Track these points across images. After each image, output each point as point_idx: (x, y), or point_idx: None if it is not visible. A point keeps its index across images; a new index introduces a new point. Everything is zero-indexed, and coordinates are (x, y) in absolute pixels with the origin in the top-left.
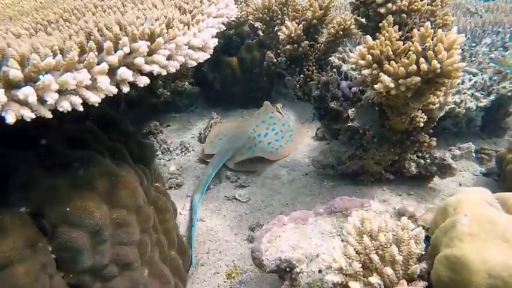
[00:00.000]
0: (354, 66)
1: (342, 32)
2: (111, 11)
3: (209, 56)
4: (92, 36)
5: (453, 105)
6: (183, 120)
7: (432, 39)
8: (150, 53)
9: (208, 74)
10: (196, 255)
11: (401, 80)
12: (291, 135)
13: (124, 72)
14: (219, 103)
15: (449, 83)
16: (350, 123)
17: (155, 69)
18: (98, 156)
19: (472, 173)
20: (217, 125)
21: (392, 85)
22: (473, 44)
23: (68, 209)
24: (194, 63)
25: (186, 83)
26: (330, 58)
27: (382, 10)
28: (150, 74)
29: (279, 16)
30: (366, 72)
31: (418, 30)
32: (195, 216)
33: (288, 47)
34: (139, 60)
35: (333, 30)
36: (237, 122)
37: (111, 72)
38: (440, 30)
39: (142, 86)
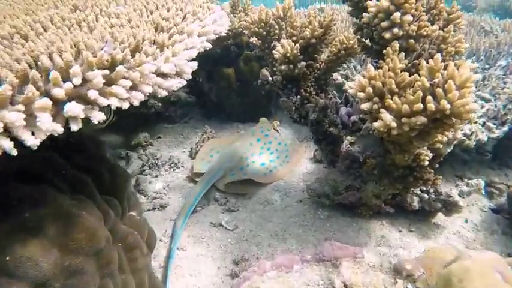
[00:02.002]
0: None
1: (344, 52)
2: (77, 27)
3: (185, 83)
4: (39, 62)
5: (463, 137)
6: (175, 132)
7: (443, 72)
8: (110, 83)
9: (204, 84)
10: None
11: (404, 119)
12: (287, 155)
13: (71, 109)
14: (214, 115)
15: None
16: (350, 147)
17: (113, 103)
18: (53, 192)
19: (480, 208)
20: (209, 140)
21: (394, 124)
22: (487, 66)
23: (7, 258)
24: (164, 93)
25: (180, 92)
26: (334, 75)
27: (387, 35)
28: None
29: (276, 31)
30: (365, 106)
31: (427, 58)
32: (174, 246)
33: (283, 67)
34: (93, 94)
35: (334, 49)
36: (231, 138)
37: (61, 105)
38: (452, 64)
39: (96, 122)
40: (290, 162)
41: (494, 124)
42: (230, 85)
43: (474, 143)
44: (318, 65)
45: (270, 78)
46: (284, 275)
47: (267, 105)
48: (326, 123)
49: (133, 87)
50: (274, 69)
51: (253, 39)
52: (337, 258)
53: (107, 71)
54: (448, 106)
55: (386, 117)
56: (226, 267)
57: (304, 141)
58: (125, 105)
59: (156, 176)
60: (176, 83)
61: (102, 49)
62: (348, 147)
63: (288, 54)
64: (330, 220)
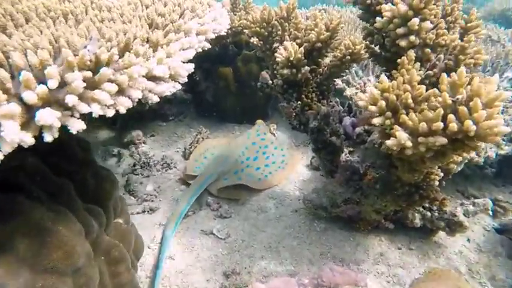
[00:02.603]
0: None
1: (349, 57)
2: (63, 20)
3: (180, 87)
4: (10, 60)
5: (475, 155)
6: (169, 131)
7: (467, 88)
8: (93, 86)
9: (201, 83)
10: None
11: (421, 138)
12: (283, 160)
13: (43, 117)
14: (210, 115)
15: None
16: (349, 156)
17: (95, 110)
18: (26, 203)
19: (483, 227)
20: (204, 141)
21: (409, 144)
22: None
23: None
24: (156, 99)
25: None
26: (336, 81)
27: (403, 43)
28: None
29: (279, 32)
30: (377, 121)
31: (443, 69)
32: (162, 255)
33: (285, 71)
34: (71, 99)
35: (339, 54)
36: (226, 140)
37: (35, 111)
38: (477, 79)
39: (75, 132)
40: (286, 168)
41: (503, 140)
42: (227, 85)
43: (483, 160)
44: (320, 69)
45: (270, 82)
46: None
47: (265, 107)
48: (328, 133)
49: (120, 92)
50: (275, 72)
51: (254, 40)
52: (337, 285)
53: (89, 73)
54: (473, 127)
55: (401, 135)
56: (217, 280)
57: (300, 146)
58: (110, 113)
59: (148, 176)
60: (170, 88)
61: (85, 47)
62: (348, 157)
63: (292, 58)
64: (327, 233)
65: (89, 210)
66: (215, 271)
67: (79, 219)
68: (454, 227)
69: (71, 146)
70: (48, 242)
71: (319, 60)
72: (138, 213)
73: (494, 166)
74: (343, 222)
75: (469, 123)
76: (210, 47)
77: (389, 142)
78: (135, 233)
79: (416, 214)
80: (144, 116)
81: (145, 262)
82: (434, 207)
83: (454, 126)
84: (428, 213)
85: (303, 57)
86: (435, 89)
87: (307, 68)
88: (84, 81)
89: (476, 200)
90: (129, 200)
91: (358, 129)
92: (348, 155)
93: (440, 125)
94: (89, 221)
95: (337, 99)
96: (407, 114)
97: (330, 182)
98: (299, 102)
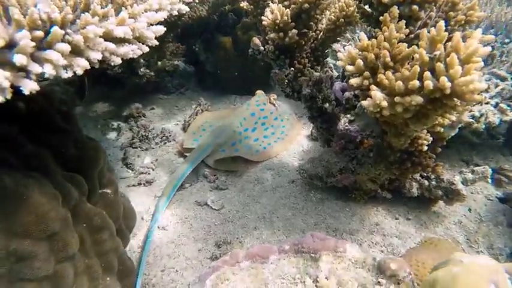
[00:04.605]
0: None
1: (343, 20)
2: None
3: (147, 49)
4: None
5: (470, 120)
6: (169, 104)
7: (446, 46)
8: (46, 47)
9: (200, 53)
10: (149, 273)
11: (397, 98)
12: (282, 131)
13: None
14: (210, 87)
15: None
16: (348, 126)
17: (48, 71)
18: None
19: (485, 196)
20: (203, 113)
21: (385, 104)
22: (507, 40)
23: None
24: (118, 61)
25: (177, 61)
26: (335, 46)
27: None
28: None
29: None
30: (354, 81)
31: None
32: (154, 225)
33: (272, 35)
34: (20, 59)
35: (333, 17)
36: (225, 112)
37: None
38: (458, 34)
39: (28, 93)
40: (285, 139)
41: (509, 106)
42: (227, 55)
43: (483, 126)
44: (314, 34)
45: (262, 48)
46: (258, 266)
47: (266, 78)
48: (320, 99)
49: (78, 53)
50: (267, 37)
51: (244, 4)
52: (317, 250)
53: (41, 33)
54: (448, 84)
55: (376, 95)
56: (208, 249)
57: (303, 116)
58: (65, 74)
59: (146, 149)
60: (134, 49)
61: (36, 6)
62: (347, 126)
63: (278, 21)
64: (323, 203)
65: (68, 178)
66: (207, 241)
67: (55, 186)
68: (451, 195)
69: (50, 115)
70: (20, 207)
71: (310, 23)
72: (134, 185)
73: (504, 135)
74: (340, 192)
75: (444, 80)
76: (188, 9)
77: (365, 102)
78: (125, 204)
79: (413, 183)
80: (144, 89)
81: (139, 233)
82: (432, 176)
83: (429, 84)
84: (426, 182)
85: (290, 20)
86: (415, 46)
87: (294, 31)
88: (35, 41)
89: (475, 168)
90: (125, 173)
91: (347, 94)
92: (347, 124)
93: (416, 83)
94: (67, 187)
95: (331, 65)
96: (385, 73)
97: (326, 151)
98: (291, 68)
